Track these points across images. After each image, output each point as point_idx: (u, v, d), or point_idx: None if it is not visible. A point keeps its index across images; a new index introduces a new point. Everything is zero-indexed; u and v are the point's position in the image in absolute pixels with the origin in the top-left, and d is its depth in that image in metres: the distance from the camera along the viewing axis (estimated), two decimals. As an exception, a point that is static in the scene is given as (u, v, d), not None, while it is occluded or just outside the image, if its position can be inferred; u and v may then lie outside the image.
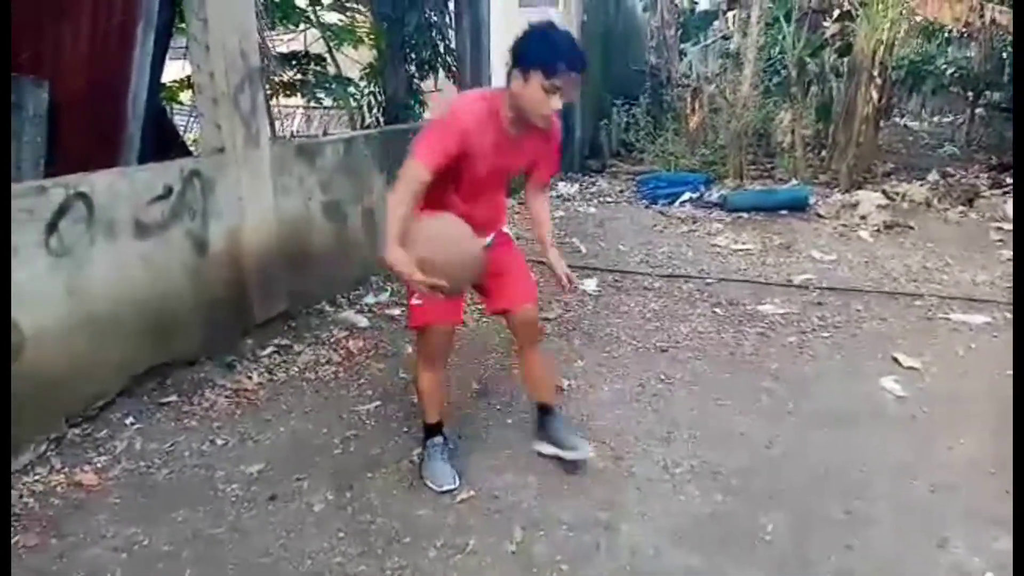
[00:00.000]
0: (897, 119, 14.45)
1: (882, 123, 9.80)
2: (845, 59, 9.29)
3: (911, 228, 6.60)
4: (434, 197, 2.42)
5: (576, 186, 8.81)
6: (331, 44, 6.89)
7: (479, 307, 4.05)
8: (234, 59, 3.67)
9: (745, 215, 7.22)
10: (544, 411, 2.89)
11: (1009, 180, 8.26)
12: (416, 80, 7.03)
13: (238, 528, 2.48)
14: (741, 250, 6.05)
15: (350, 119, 7.59)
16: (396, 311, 4.51)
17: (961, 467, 2.83)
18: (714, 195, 7.88)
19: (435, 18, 6.90)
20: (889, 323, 4.37)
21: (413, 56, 6.87)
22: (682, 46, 11.39)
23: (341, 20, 7.11)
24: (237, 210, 3.76)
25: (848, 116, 8.45)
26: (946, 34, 10.72)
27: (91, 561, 2.31)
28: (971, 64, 11.84)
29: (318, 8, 6.65)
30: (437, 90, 7.83)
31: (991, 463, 2.83)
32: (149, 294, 3.30)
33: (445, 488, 2.67)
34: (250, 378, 3.58)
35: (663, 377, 3.65)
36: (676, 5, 10.93)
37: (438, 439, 2.80)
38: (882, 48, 7.88)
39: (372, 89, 7.14)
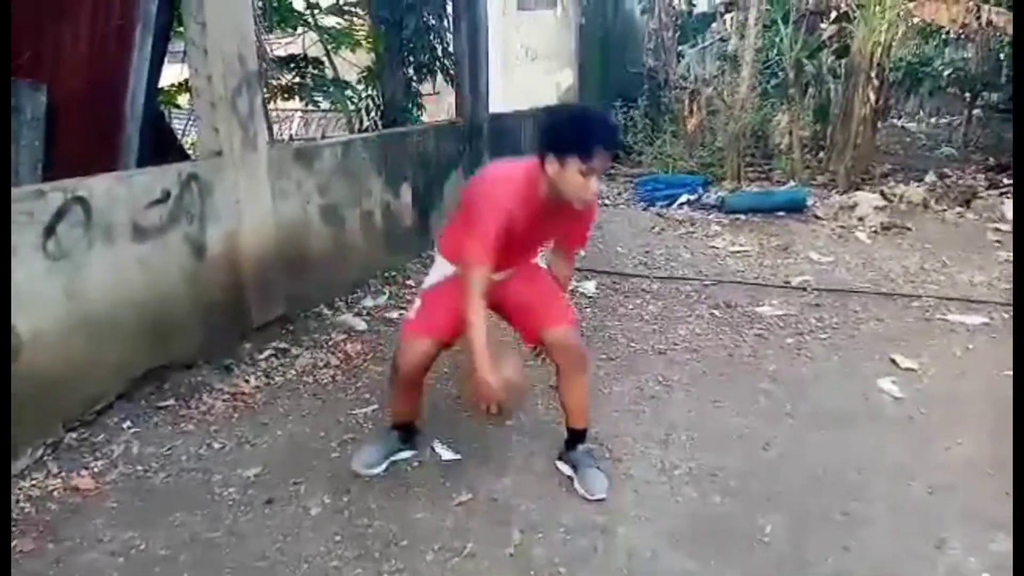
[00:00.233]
0: (895, 120, 14.48)
1: (880, 124, 9.82)
2: (843, 61, 9.31)
3: (909, 229, 6.61)
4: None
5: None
6: (329, 47, 6.89)
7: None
8: (232, 63, 3.68)
9: (743, 217, 7.22)
10: (575, 437, 2.79)
11: (1007, 181, 8.28)
12: (414, 83, 7.04)
13: (235, 532, 2.48)
14: (739, 252, 6.06)
15: (348, 122, 7.60)
16: (394, 314, 4.51)
17: (959, 468, 2.83)
18: (712, 197, 7.89)
19: (433, 21, 6.90)
20: (887, 324, 4.37)
21: (411, 59, 6.88)
22: (680, 48, 11.39)
23: (339, 23, 7.12)
24: (235, 214, 3.76)
25: (846, 117, 8.47)
26: (943, 35, 10.74)
27: (88, 565, 2.31)
28: (968, 65, 11.87)
29: (316, 12, 6.66)
30: (435, 93, 7.84)
31: (989, 464, 2.83)
32: (147, 298, 3.30)
33: (357, 468, 2.75)
34: (247, 382, 3.58)
35: (661, 379, 3.65)
36: (674, 7, 10.94)
37: (395, 432, 2.88)
38: (879, 50, 7.89)
39: (370, 92, 7.15)
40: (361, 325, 4.37)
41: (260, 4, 5.34)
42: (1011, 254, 5.77)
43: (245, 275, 3.85)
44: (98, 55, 3.92)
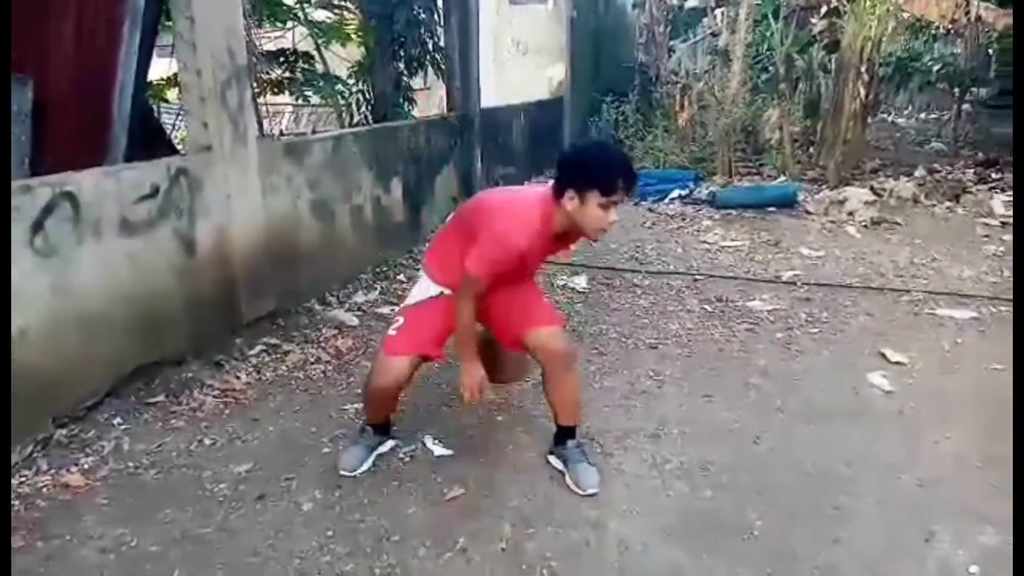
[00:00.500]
0: (884, 115, 14.52)
1: (869, 119, 9.84)
2: (833, 56, 9.33)
3: (898, 224, 6.64)
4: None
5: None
6: (319, 42, 6.87)
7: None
8: (221, 57, 3.66)
9: (734, 212, 7.24)
10: (565, 433, 2.80)
11: (995, 176, 8.34)
12: (405, 78, 7.02)
13: (226, 528, 2.48)
14: (730, 247, 6.07)
15: (338, 117, 7.57)
16: (385, 310, 4.50)
17: (948, 462, 2.85)
18: (703, 192, 7.90)
19: (424, 15, 6.88)
20: (876, 319, 4.39)
21: (402, 53, 6.86)
22: (671, 43, 11.39)
23: (329, 17, 7.10)
24: (225, 209, 3.75)
25: (836, 113, 8.48)
26: (932, 31, 10.77)
27: (78, 562, 2.30)
28: (957, 61, 11.90)
29: (306, 5, 6.63)
30: (426, 87, 7.82)
31: (977, 458, 2.86)
32: (136, 294, 3.28)
33: (343, 471, 2.75)
34: (238, 378, 3.56)
35: (652, 374, 3.66)
36: (665, 2, 10.93)
37: (370, 428, 2.88)
38: (869, 45, 7.91)
39: (360, 87, 7.13)
40: (352, 321, 4.36)
41: (249, -2, 5.31)
42: (999, 248, 5.82)
43: (235, 271, 3.84)
44: (85, 50, 3.89)
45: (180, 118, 5.99)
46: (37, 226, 2.80)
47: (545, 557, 2.33)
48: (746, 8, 8.49)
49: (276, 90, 6.72)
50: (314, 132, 8.54)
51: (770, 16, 8.86)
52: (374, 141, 5.35)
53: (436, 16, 7.00)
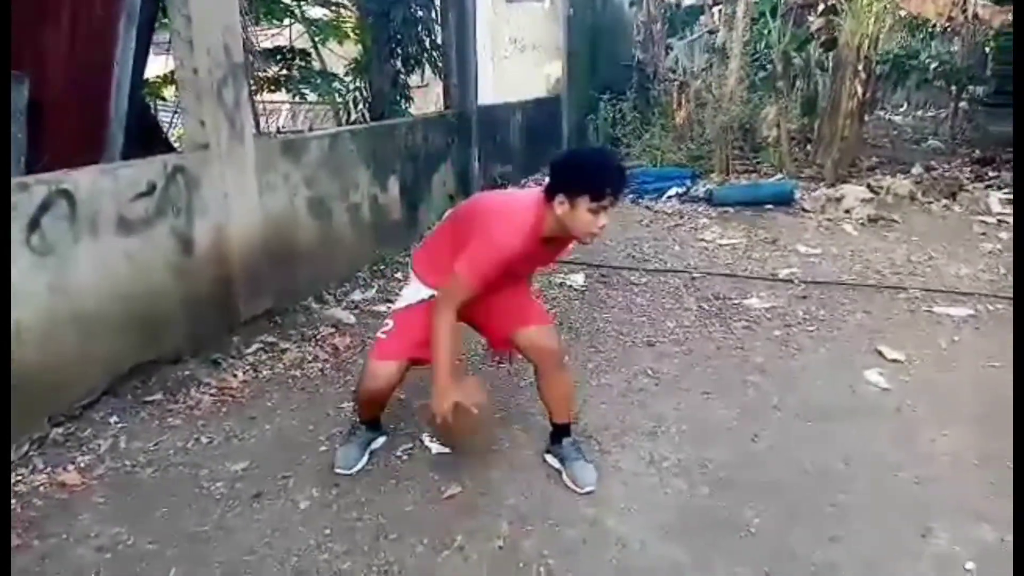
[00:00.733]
0: (881, 113, 14.53)
1: (867, 117, 9.84)
2: (830, 54, 9.33)
3: (895, 222, 6.65)
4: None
5: (563, 181, 8.78)
6: (316, 39, 6.85)
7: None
8: (218, 55, 3.65)
9: (731, 210, 7.24)
10: (561, 431, 2.81)
11: (992, 173, 8.34)
12: (402, 75, 7.00)
13: (223, 526, 2.47)
14: (727, 244, 6.08)
15: (335, 115, 7.56)
16: (382, 307, 4.49)
17: (945, 459, 2.86)
18: (700, 190, 7.90)
19: (421, 13, 6.86)
20: (873, 316, 4.39)
21: (399, 51, 6.84)
22: (668, 41, 11.39)
23: (326, 15, 7.09)
24: (222, 207, 3.74)
25: (833, 110, 8.49)
26: (929, 29, 10.77)
27: (75, 561, 2.29)
28: (954, 58, 11.91)
29: (302, 3, 6.62)
30: (423, 85, 7.81)
31: (974, 455, 2.86)
32: (133, 292, 3.28)
33: (339, 470, 2.74)
34: (235, 376, 3.56)
35: (649, 371, 3.66)
36: (663, 0, 10.93)
37: (362, 426, 2.89)
38: (867, 42, 7.90)
39: (358, 84, 7.11)
40: (349, 319, 4.36)
41: (246, -5, 5.30)
42: (996, 246, 5.82)
43: (232, 269, 3.83)
44: (81, 47, 3.89)
45: (177, 116, 5.98)
46: (33, 224, 2.79)
47: (542, 555, 2.33)
48: (743, 6, 8.48)
49: (273, 88, 6.71)
50: (311, 130, 8.53)
51: (767, 14, 8.86)
52: (371, 139, 5.35)
53: (433, 14, 6.99)
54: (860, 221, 6.66)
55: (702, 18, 11.88)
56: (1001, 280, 4.98)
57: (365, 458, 2.82)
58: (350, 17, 6.99)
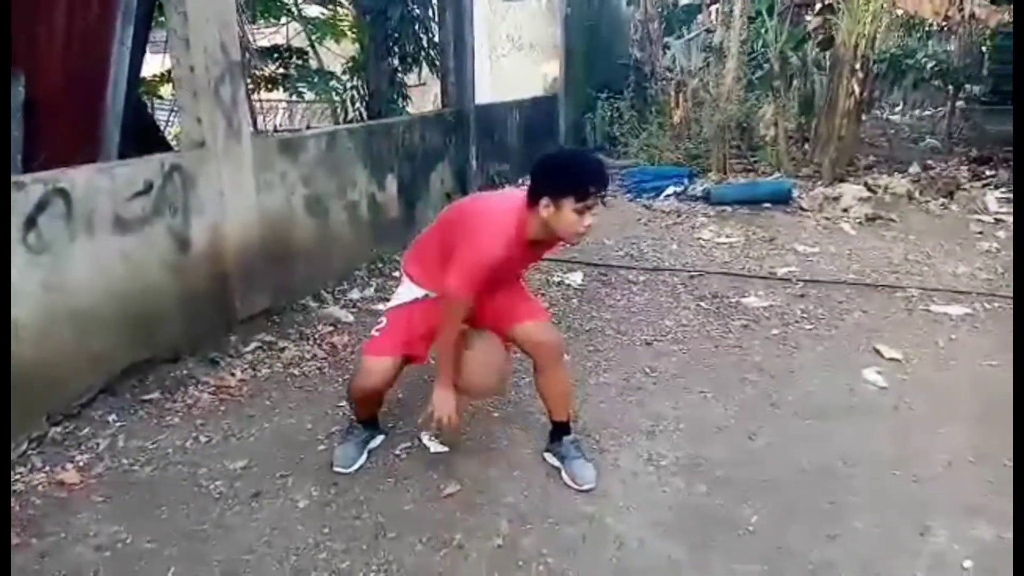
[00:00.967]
0: (879, 112, 14.54)
1: (864, 116, 9.85)
2: (827, 53, 9.33)
3: (893, 220, 6.66)
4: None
5: (560, 180, 8.78)
6: (313, 38, 6.84)
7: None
8: (214, 53, 3.64)
9: (729, 208, 7.24)
10: (560, 429, 2.81)
11: (989, 172, 8.35)
12: (399, 74, 7.00)
13: (222, 525, 2.47)
14: (725, 243, 6.08)
15: (333, 113, 7.55)
16: (381, 306, 4.47)
17: (942, 457, 2.86)
18: (698, 188, 7.90)
19: (418, 11, 6.85)
20: (871, 315, 4.40)
21: (396, 50, 6.83)
22: (666, 40, 11.39)
23: (323, 13, 7.07)
24: (219, 205, 3.73)
25: (830, 109, 8.49)
26: (926, 28, 10.79)
27: (74, 560, 2.29)
28: (951, 57, 11.93)
29: (300, 1, 6.61)
30: (421, 84, 7.80)
31: (972, 453, 2.87)
32: (130, 291, 3.27)
33: (337, 469, 2.75)
34: (233, 375, 3.55)
35: (648, 370, 3.66)
36: (659, -1, 10.94)
37: (359, 425, 2.89)
38: (864, 41, 7.91)
39: (355, 83, 7.10)
40: (347, 317, 4.36)
41: (243, -7, 5.28)
42: (993, 244, 5.83)
43: (229, 267, 3.83)
44: (77, 44, 3.87)
45: (174, 114, 5.97)
46: (30, 223, 2.79)
47: (541, 553, 2.33)
48: (740, 5, 8.48)
49: (270, 86, 6.69)
50: (308, 128, 8.52)
51: (764, 13, 8.85)
52: (369, 138, 5.34)
53: (431, 12, 6.98)
54: (858, 220, 6.67)
55: (699, 17, 11.89)
56: (998, 279, 5.00)
57: (364, 457, 2.82)
58: (347, 15, 6.97)
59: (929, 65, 11.43)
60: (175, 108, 4.86)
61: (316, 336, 4.06)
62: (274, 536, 2.41)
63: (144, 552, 2.33)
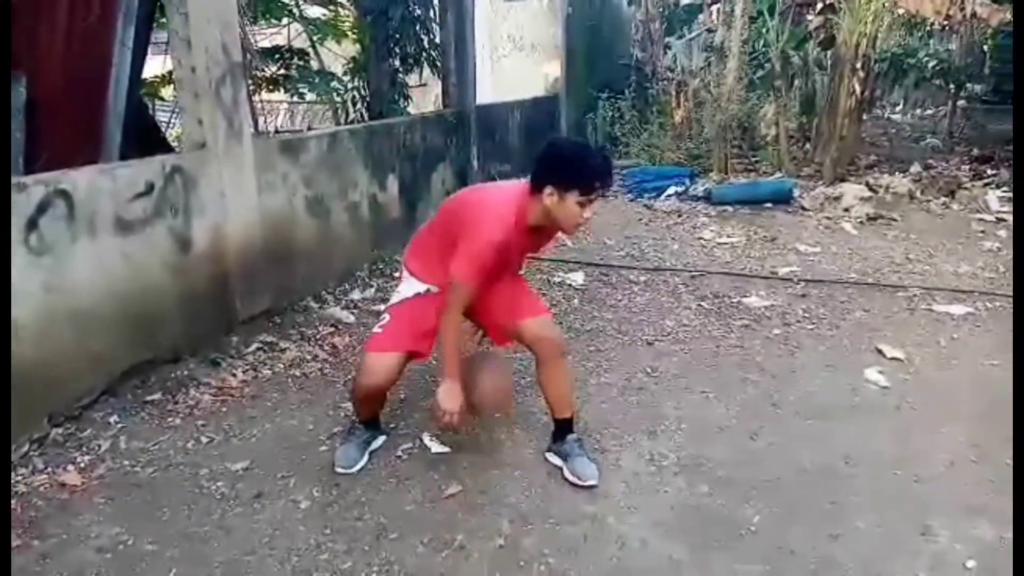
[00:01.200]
0: (880, 112, 14.52)
1: (865, 116, 9.84)
2: (828, 52, 9.32)
3: (894, 220, 6.65)
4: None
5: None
6: (314, 38, 6.84)
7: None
8: (216, 53, 3.64)
9: (730, 208, 7.24)
10: (563, 428, 2.81)
11: (990, 172, 8.34)
12: (401, 74, 6.99)
13: (223, 526, 2.47)
14: (726, 243, 6.08)
15: (334, 114, 7.55)
16: (382, 306, 4.46)
17: (944, 457, 2.86)
18: (699, 188, 7.89)
19: (419, 12, 6.85)
20: (873, 315, 4.40)
21: (397, 50, 6.83)
22: (667, 40, 11.37)
23: (324, 14, 7.07)
24: (220, 206, 3.73)
25: (831, 109, 8.48)
26: (927, 27, 10.77)
27: (75, 561, 2.29)
28: (952, 57, 11.91)
29: (301, 2, 6.61)
30: (422, 84, 7.80)
31: (974, 453, 2.86)
32: (132, 292, 3.27)
33: (339, 469, 2.74)
34: (235, 375, 3.55)
35: (649, 370, 3.66)
36: (661, -1, 10.92)
37: (361, 426, 2.89)
38: (865, 41, 7.90)
39: (356, 84, 7.10)
40: (349, 318, 4.36)
41: (244, -6, 5.28)
42: (995, 244, 5.83)
43: (230, 268, 3.83)
44: (78, 45, 3.88)
45: (175, 115, 5.97)
46: (32, 224, 2.79)
47: (543, 553, 2.33)
48: (742, 4, 8.47)
49: (271, 87, 6.69)
50: (309, 129, 8.52)
51: (766, 12, 8.85)
52: (370, 138, 5.34)
53: (432, 13, 6.98)
54: (859, 219, 6.66)
55: (700, 17, 11.88)
56: (1000, 278, 4.99)
57: (365, 458, 2.82)
58: (348, 16, 6.97)
59: (930, 64, 11.41)
60: (176, 109, 4.87)
61: (317, 337, 4.06)
62: (276, 537, 2.41)
63: (146, 553, 2.33)
